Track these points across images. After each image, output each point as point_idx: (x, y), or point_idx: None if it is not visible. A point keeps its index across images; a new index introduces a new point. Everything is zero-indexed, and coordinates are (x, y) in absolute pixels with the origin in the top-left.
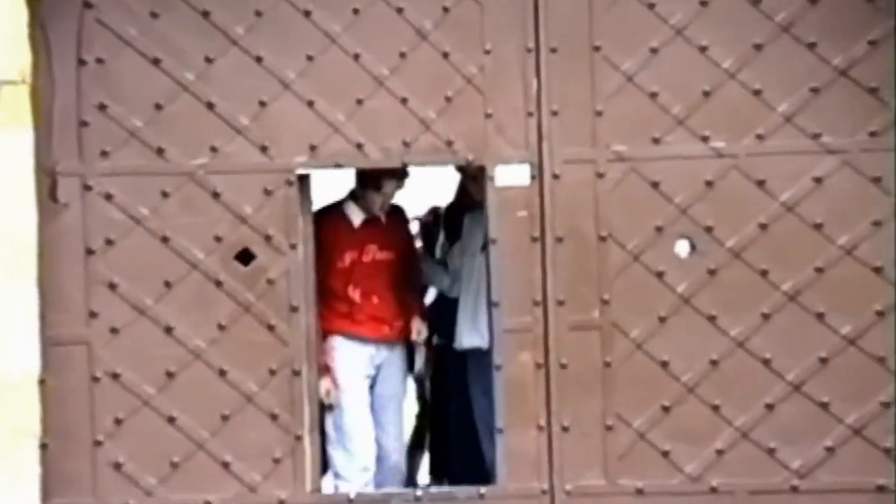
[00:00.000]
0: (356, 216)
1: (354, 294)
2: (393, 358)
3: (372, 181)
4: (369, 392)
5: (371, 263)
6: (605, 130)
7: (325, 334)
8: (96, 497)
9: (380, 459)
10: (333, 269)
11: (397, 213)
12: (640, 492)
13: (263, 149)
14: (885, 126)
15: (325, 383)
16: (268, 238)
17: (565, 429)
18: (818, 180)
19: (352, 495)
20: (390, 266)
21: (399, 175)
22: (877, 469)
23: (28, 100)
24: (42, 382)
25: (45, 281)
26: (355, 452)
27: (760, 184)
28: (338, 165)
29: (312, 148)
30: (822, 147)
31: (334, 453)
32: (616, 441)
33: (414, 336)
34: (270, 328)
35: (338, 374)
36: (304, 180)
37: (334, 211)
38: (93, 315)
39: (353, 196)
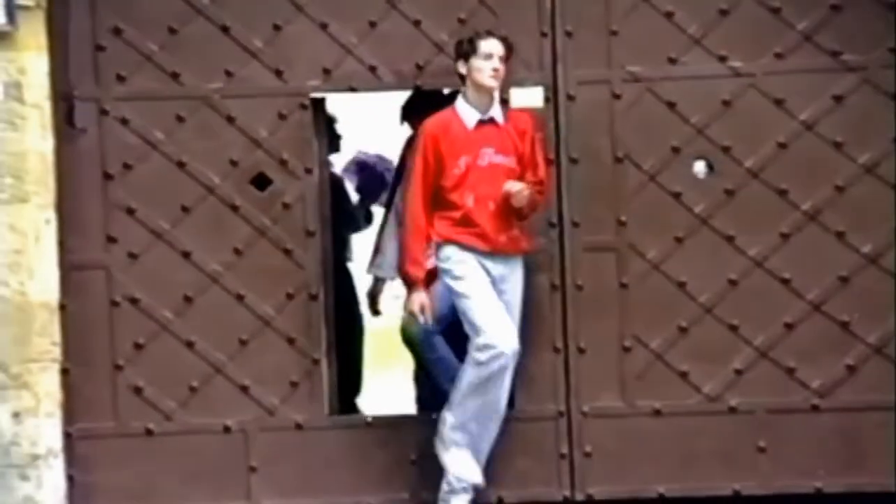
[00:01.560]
0: (470, 117)
1: (468, 200)
2: (511, 271)
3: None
4: None
5: (487, 168)
6: (620, 51)
7: (436, 244)
8: (117, 421)
9: None
10: (447, 176)
11: (519, 118)
12: (657, 412)
13: (278, 72)
14: None
15: (418, 297)
16: (283, 162)
17: (581, 350)
18: (837, 98)
19: (369, 418)
20: (509, 172)
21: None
22: None
23: (44, 24)
24: (62, 307)
25: (64, 206)
26: (491, 339)
27: (779, 103)
28: (351, 89)
29: (326, 71)
30: (842, 65)
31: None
32: (633, 362)
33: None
34: (287, 252)
35: (455, 278)
36: (318, 104)
37: (446, 115)
38: (111, 240)
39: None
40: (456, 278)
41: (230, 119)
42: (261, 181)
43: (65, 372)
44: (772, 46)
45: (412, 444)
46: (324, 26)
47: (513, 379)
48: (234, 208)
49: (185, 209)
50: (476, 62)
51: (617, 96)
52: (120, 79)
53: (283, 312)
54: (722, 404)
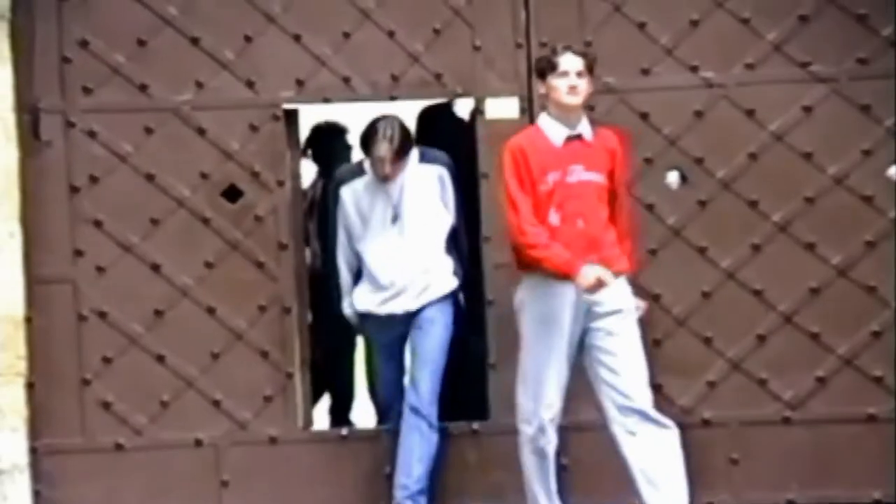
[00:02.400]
0: (556, 133)
1: (554, 218)
2: (609, 295)
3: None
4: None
5: (577, 185)
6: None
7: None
8: (85, 436)
9: None
10: (536, 195)
11: (607, 135)
12: None
13: (249, 84)
14: (874, 53)
15: (587, 273)
16: (255, 174)
17: None
18: (807, 109)
19: (343, 432)
20: (599, 189)
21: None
22: (868, 398)
23: (8, 36)
24: (28, 321)
25: (29, 219)
26: (536, 399)
27: (750, 113)
28: (325, 100)
29: (299, 82)
30: (811, 75)
31: (519, 389)
32: None
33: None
34: (259, 265)
35: (527, 313)
36: (291, 116)
37: (530, 132)
38: (78, 253)
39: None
40: (529, 318)
41: (201, 131)
42: (232, 193)
43: (30, 386)
44: (742, 57)
45: (387, 457)
46: (297, 38)
47: (489, 390)
48: (206, 221)
49: (154, 222)
50: (553, 80)
51: (590, 108)
52: (87, 91)
53: (255, 326)
54: (695, 417)
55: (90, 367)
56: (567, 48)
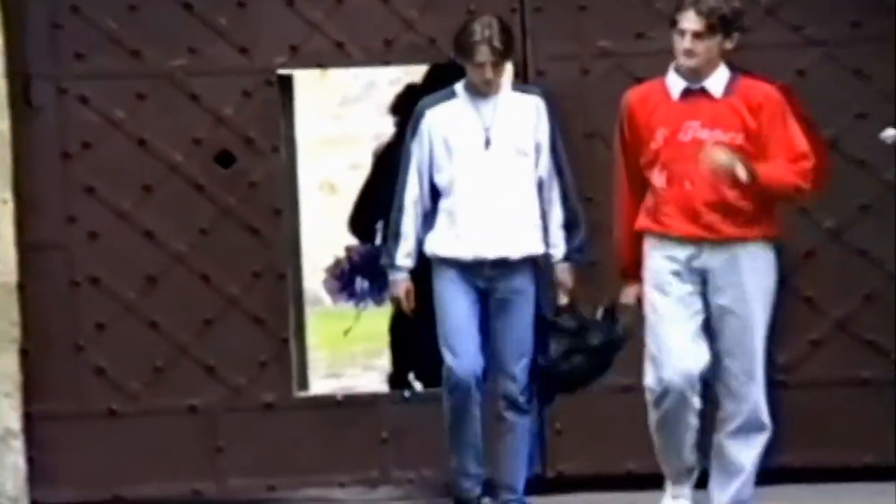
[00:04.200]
0: (676, 86)
1: (659, 179)
2: (728, 264)
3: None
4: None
5: (690, 144)
6: (589, 26)
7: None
8: (79, 402)
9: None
10: (644, 152)
11: (755, 90)
12: (627, 389)
13: (243, 50)
14: (867, 16)
15: (629, 291)
16: (248, 141)
17: None
18: (801, 73)
19: (339, 397)
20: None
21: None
22: (862, 362)
23: None
24: (21, 288)
25: (22, 186)
26: (664, 362)
27: (744, 72)
28: (319, 65)
29: (293, 48)
30: (805, 39)
31: (650, 353)
32: None
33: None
34: (253, 231)
35: (646, 282)
36: (285, 81)
37: (652, 84)
38: (71, 220)
39: None
40: (648, 284)
41: (194, 97)
42: (226, 159)
43: (24, 352)
44: None
45: (383, 422)
46: (289, 3)
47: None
48: (199, 187)
49: (147, 188)
50: (674, 36)
51: (586, 72)
52: (79, 57)
53: (250, 292)
54: None
55: (84, 334)
56: (695, 3)
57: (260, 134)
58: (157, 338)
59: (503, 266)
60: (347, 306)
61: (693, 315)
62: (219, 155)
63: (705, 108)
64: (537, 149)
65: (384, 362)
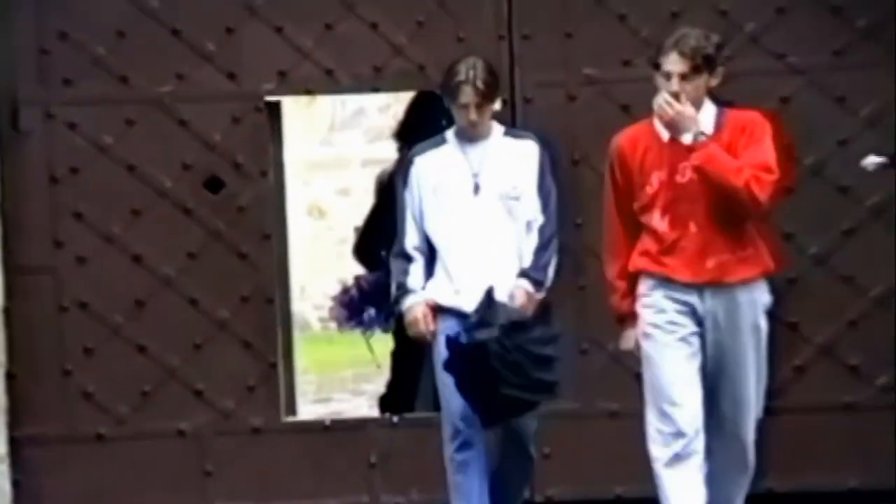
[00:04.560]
0: (664, 127)
1: (661, 224)
2: (729, 309)
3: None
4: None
5: (688, 184)
6: (576, 54)
7: (637, 275)
8: (67, 426)
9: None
10: (639, 197)
11: (742, 119)
12: (614, 414)
13: (231, 76)
14: (848, 45)
15: (629, 336)
16: (237, 166)
17: None
18: (784, 100)
19: (327, 422)
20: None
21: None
22: (846, 387)
23: None
24: (6, 311)
25: (9, 210)
26: (667, 416)
27: (729, 105)
28: (308, 91)
29: (281, 74)
30: (788, 67)
31: (649, 415)
32: (590, 364)
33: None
34: (242, 256)
35: (645, 323)
36: (273, 107)
37: (639, 127)
38: (58, 244)
39: None
40: (646, 328)
41: (182, 123)
42: (214, 184)
43: (11, 376)
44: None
45: (372, 446)
46: (279, 29)
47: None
48: (188, 212)
49: (135, 213)
50: (658, 79)
51: (573, 98)
52: (67, 82)
53: (238, 316)
54: None
55: (71, 358)
56: (676, 45)
57: (248, 159)
58: (145, 361)
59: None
60: (353, 333)
61: (694, 355)
62: (208, 180)
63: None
64: (526, 193)
65: (373, 387)
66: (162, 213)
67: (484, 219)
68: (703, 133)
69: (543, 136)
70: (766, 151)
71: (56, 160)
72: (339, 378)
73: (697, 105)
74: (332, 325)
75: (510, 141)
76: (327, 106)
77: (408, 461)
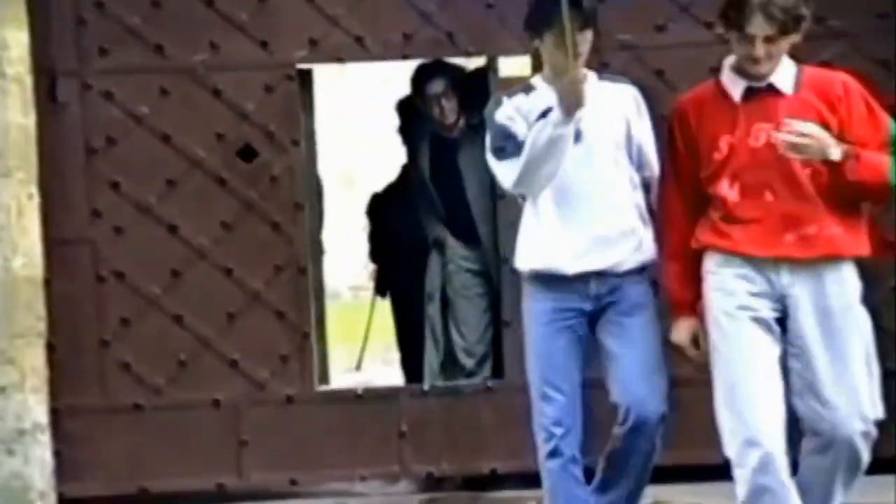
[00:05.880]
0: (735, 85)
1: (731, 192)
2: (814, 287)
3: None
4: (779, 334)
5: (763, 149)
6: (608, 19)
7: (699, 254)
8: (105, 397)
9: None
10: (705, 163)
11: (831, 81)
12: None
13: (263, 44)
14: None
15: (683, 326)
16: (269, 135)
17: None
18: (825, 64)
19: (359, 391)
20: None
21: None
22: None
23: None
24: (47, 283)
25: (47, 181)
26: (743, 418)
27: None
28: (338, 60)
29: (312, 42)
30: (829, 31)
31: (721, 416)
32: None
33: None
34: (275, 226)
35: (712, 309)
36: (305, 75)
37: (705, 87)
38: (96, 214)
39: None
40: (714, 314)
41: (216, 92)
42: (248, 154)
43: (51, 347)
44: None
45: (402, 416)
46: None
47: (503, 348)
48: (222, 182)
49: (171, 183)
50: (735, 41)
51: (605, 65)
52: (103, 52)
53: (272, 286)
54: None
55: (109, 329)
56: (763, 7)
57: (281, 128)
58: (181, 332)
59: (612, 277)
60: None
61: (772, 345)
62: (241, 150)
63: (776, 107)
64: (635, 141)
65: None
66: (196, 183)
67: (589, 168)
68: (845, 148)
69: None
70: (885, 125)
71: (93, 131)
72: (368, 347)
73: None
74: (366, 290)
75: (610, 85)
76: (357, 74)
77: (438, 431)
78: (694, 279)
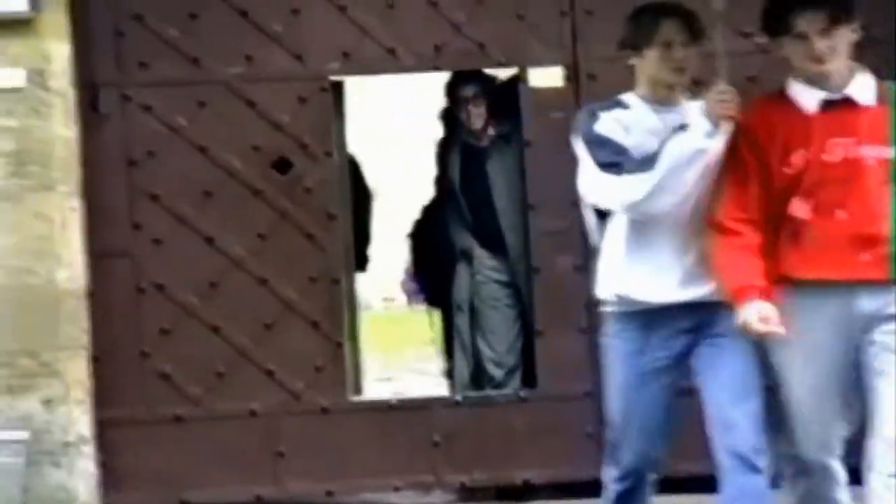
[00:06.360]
0: (809, 98)
1: (802, 210)
2: (884, 307)
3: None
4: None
5: (840, 165)
6: None
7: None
8: (146, 408)
9: None
10: (774, 179)
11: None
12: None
13: (297, 57)
14: None
15: (753, 309)
16: (303, 146)
17: None
18: None
19: (392, 401)
20: (879, 167)
21: None
22: None
23: (65, 11)
24: (90, 295)
25: (89, 193)
26: (799, 443)
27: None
28: (370, 71)
29: (345, 54)
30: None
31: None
32: None
33: None
34: (309, 236)
35: (790, 342)
36: (337, 87)
37: (771, 98)
38: (136, 227)
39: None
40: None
41: (251, 104)
42: (282, 165)
43: (94, 359)
44: None
45: (436, 425)
46: (342, 9)
47: (536, 358)
48: (257, 193)
49: (207, 194)
50: (787, 44)
51: None
52: (142, 65)
53: (306, 296)
54: None
55: (149, 340)
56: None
57: (314, 140)
58: (218, 343)
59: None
60: (415, 312)
61: (842, 385)
62: (276, 161)
63: (855, 121)
64: None
65: (433, 366)
66: (232, 194)
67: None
68: None
69: None
70: None
71: (133, 143)
72: (400, 358)
73: (846, 67)
74: (397, 301)
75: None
76: (388, 85)
77: (471, 441)
78: (754, 266)
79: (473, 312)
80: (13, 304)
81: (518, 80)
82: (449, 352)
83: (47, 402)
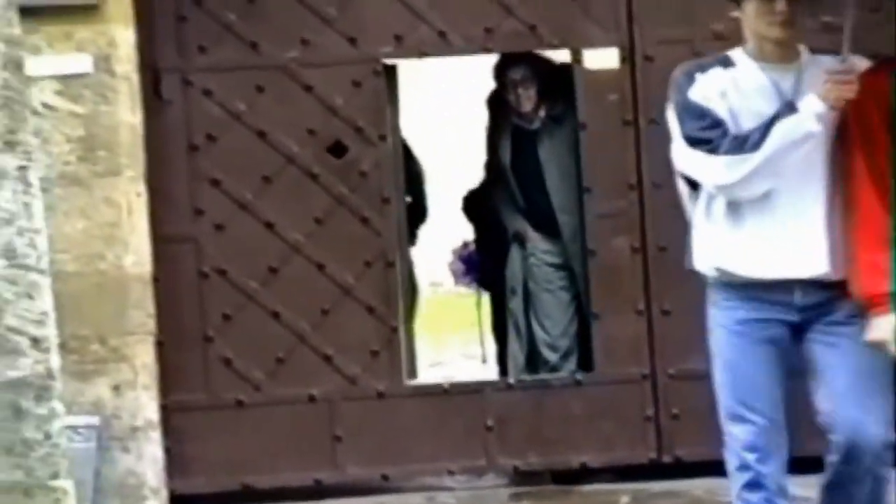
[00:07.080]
0: None
1: None
2: None
3: None
4: None
5: None
6: (701, 8)
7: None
8: (209, 393)
9: None
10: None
11: None
12: None
13: (351, 40)
14: None
15: (884, 323)
16: (358, 130)
17: (665, 312)
18: None
19: (446, 385)
20: None
21: None
22: None
23: None
24: (155, 280)
25: (153, 178)
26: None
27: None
28: (422, 54)
29: (397, 38)
30: None
31: None
32: None
33: None
34: (364, 220)
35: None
36: (390, 70)
37: (878, 67)
38: (198, 212)
39: None
40: None
41: (307, 88)
42: (338, 149)
43: (160, 344)
44: None
45: (488, 410)
46: None
47: (593, 341)
48: (314, 177)
49: (266, 179)
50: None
51: (698, 55)
52: (202, 49)
53: (362, 281)
54: None
55: (212, 325)
56: None
57: (368, 123)
58: (278, 328)
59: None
60: (468, 290)
61: None
62: (332, 145)
63: None
64: None
65: (481, 350)
66: (290, 179)
67: (804, 163)
68: None
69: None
70: None
71: (194, 128)
72: (448, 342)
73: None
74: (445, 286)
75: (829, 59)
76: (440, 68)
77: (524, 424)
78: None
79: (527, 296)
80: (83, 290)
81: (573, 64)
82: (499, 335)
83: (116, 388)
